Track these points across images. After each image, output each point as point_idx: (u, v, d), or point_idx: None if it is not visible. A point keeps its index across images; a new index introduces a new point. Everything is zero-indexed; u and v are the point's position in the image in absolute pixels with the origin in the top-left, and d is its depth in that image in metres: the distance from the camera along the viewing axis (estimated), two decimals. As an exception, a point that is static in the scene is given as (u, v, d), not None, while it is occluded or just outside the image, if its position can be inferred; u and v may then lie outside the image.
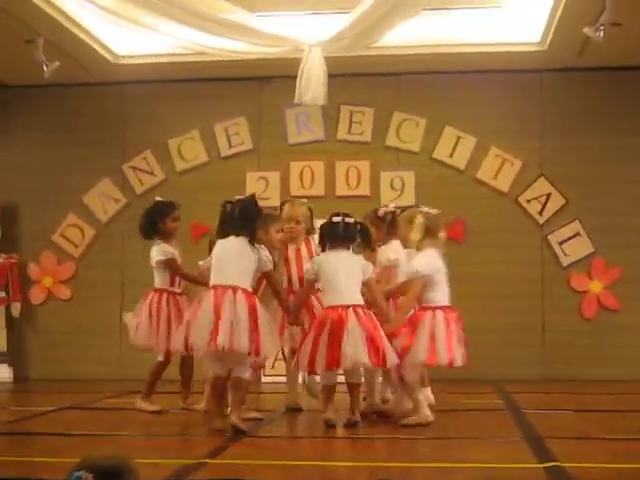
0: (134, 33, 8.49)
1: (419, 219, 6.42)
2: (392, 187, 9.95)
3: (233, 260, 5.98)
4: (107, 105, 10.39)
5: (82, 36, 8.89)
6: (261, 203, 6.31)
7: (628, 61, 9.58)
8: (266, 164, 10.18)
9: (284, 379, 7.54)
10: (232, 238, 6.06)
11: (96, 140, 10.30)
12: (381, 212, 6.97)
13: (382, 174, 10.02)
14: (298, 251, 6.81)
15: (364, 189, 9.98)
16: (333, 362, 5.92)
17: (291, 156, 10.14)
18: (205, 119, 10.23)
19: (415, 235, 6.41)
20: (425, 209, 6.50)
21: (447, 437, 5.74)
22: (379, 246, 6.78)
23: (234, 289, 5.84)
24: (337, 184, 10.06)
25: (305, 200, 7.34)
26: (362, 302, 6.08)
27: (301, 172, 10.10)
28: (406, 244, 6.61)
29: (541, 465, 4.58)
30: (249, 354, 5.81)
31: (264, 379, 8.66)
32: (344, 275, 6.10)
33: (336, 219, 6.23)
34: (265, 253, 6.05)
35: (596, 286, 9.70)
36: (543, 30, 8.91)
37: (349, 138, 10.16)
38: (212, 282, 5.98)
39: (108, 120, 10.36)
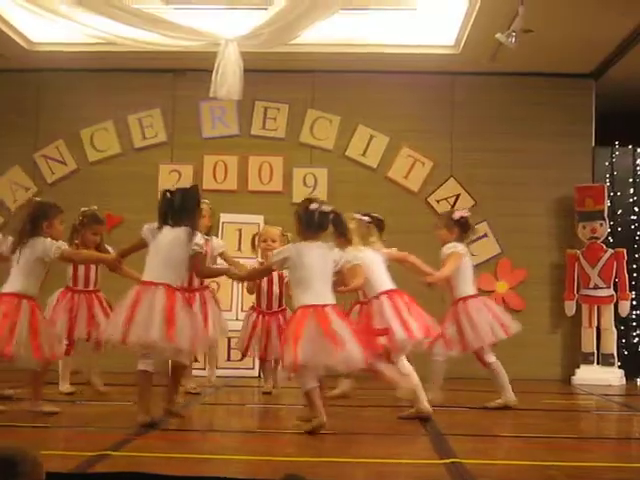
0: (50, 21, 8.37)
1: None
2: (305, 184, 10.01)
3: (162, 254, 5.91)
4: (21, 92, 10.25)
5: (-4, 22, 8.78)
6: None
7: (539, 67, 9.79)
8: (180, 157, 10.15)
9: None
10: (167, 231, 5.94)
11: (8, 127, 10.15)
12: (456, 215, 7.19)
13: (295, 170, 10.08)
14: None
15: (277, 185, 10.03)
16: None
17: (205, 150, 10.14)
18: (119, 110, 10.16)
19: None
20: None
21: (350, 432, 5.81)
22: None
23: (157, 285, 5.81)
24: (250, 179, 10.09)
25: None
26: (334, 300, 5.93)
27: (214, 166, 10.10)
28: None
29: (441, 461, 4.68)
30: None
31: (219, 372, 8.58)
32: (319, 274, 5.86)
33: (313, 206, 5.95)
34: (197, 239, 5.99)
35: (502, 286, 9.90)
36: (457, 34, 9.05)
37: (263, 134, 10.20)
38: (143, 277, 5.95)
39: (21, 108, 10.22)
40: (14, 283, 6.22)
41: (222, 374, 8.89)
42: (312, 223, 5.94)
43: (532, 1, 7.60)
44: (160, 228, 5.94)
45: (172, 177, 10.01)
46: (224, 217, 9.70)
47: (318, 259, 5.88)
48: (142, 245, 6.04)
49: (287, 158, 10.10)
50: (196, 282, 7.56)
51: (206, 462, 4.69)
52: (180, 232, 5.90)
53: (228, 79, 8.27)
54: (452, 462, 4.61)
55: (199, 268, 6.28)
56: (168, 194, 6.01)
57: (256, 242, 7.91)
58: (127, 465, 4.33)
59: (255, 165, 10.10)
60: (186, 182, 9.67)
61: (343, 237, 6.13)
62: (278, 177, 10.08)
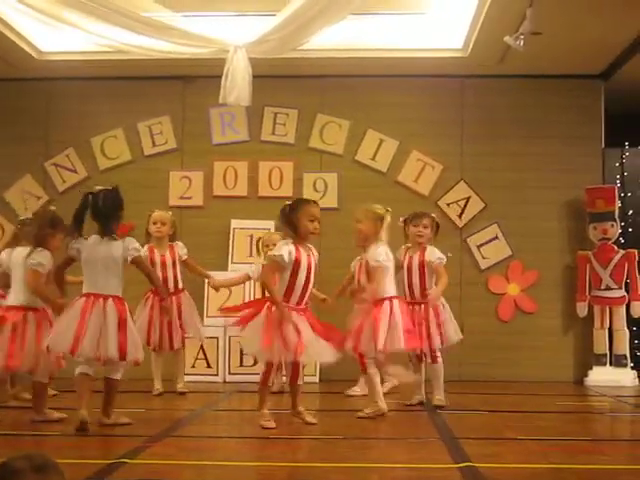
0: (59, 30, 8.41)
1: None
2: (315, 189, 10.02)
3: (102, 265, 6.04)
4: (31, 101, 10.27)
5: (5, 31, 8.80)
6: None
7: (547, 69, 9.78)
8: (190, 164, 10.17)
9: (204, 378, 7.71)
10: (95, 239, 6.10)
11: (19, 136, 10.18)
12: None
13: (305, 175, 10.09)
14: None
15: (287, 190, 10.02)
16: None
17: (215, 156, 10.15)
18: (129, 117, 10.19)
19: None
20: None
21: (364, 437, 5.82)
22: None
23: (105, 298, 5.95)
24: (260, 185, 10.09)
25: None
26: None
27: (225, 172, 10.11)
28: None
29: (455, 465, 4.69)
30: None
31: (186, 378, 8.66)
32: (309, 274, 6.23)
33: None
34: (129, 242, 6.16)
35: (513, 289, 9.89)
36: (465, 37, 9.05)
37: (273, 139, 10.21)
38: (84, 289, 6.04)
39: (32, 116, 10.25)
40: (19, 295, 6.26)
41: (235, 380, 8.92)
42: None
43: (540, 3, 7.60)
44: (87, 237, 6.09)
45: (183, 184, 10.05)
46: (235, 223, 9.72)
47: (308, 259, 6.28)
48: (70, 262, 6.18)
49: (297, 163, 10.12)
50: (171, 285, 8.10)
51: (221, 469, 4.71)
52: (111, 241, 6.10)
53: (237, 85, 8.29)
54: (466, 466, 4.62)
55: (143, 270, 6.36)
56: (90, 197, 6.15)
57: (260, 247, 8.33)
58: (144, 473, 4.36)
59: (265, 171, 10.12)
60: (196, 189, 9.92)
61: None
62: (288, 182, 10.09)
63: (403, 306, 6.81)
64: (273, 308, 6.11)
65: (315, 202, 6.45)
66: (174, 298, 8.13)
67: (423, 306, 7.25)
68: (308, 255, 6.21)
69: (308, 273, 6.17)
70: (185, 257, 8.31)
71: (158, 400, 7.92)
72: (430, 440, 5.68)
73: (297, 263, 6.14)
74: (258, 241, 8.39)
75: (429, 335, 7.19)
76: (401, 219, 7.48)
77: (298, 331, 6.02)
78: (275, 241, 7.79)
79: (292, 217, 6.27)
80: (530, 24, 7.75)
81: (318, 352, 6.19)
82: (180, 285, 8.28)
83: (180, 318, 8.16)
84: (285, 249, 6.15)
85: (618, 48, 9.15)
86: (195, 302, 8.55)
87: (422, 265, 7.30)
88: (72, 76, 9.97)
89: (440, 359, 7.29)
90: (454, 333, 7.36)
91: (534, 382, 9.33)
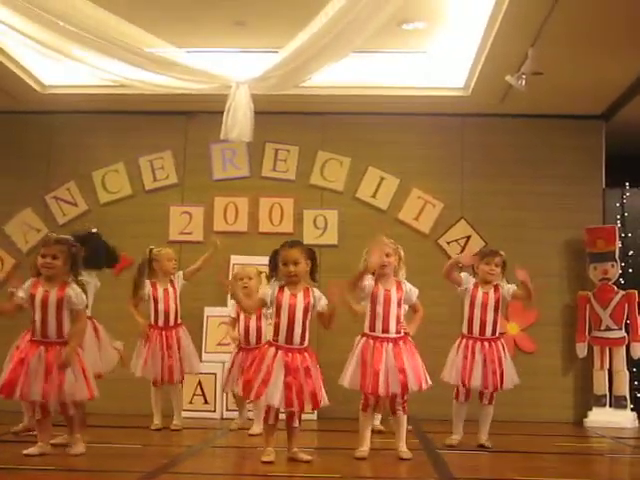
0: (63, 64, 8.43)
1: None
2: (315, 225, 10.02)
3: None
4: (33, 134, 10.28)
5: (9, 65, 8.85)
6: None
7: (549, 109, 9.82)
8: (190, 199, 10.17)
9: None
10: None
11: (20, 169, 10.19)
12: None
13: (305, 212, 10.09)
14: None
15: (287, 226, 10.03)
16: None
17: (216, 191, 10.16)
18: (130, 152, 10.21)
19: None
20: None
21: (361, 477, 5.78)
22: None
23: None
24: (260, 220, 10.10)
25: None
26: None
27: (225, 208, 10.11)
28: None
29: (455, 506, 4.65)
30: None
31: (184, 414, 8.61)
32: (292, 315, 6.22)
33: None
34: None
35: (513, 328, 9.86)
36: (467, 76, 9.09)
37: (274, 175, 10.23)
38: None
39: (33, 150, 10.26)
40: None
41: (232, 416, 8.85)
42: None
43: (542, 43, 7.64)
44: None
45: (183, 219, 10.06)
46: (235, 259, 9.70)
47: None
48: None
49: (297, 200, 10.12)
50: (172, 319, 8.18)
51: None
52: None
53: (239, 121, 8.29)
54: (466, 507, 4.58)
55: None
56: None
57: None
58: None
59: (266, 207, 10.12)
60: (196, 225, 9.91)
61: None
62: (289, 219, 10.09)
63: None
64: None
65: (292, 244, 6.37)
66: (174, 332, 8.17)
67: (493, 343, 7.29)
68: (292, 295, 6.19)
69: (291, 314, 6.15)
70: (183, 279, 8.35)
71: (156, 436, 7.86)
72: (429, 480, 5.64)
73: (278, 304, 6.16)
74: (234, 276, 8.37)
75: (501, 373, 7.23)
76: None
77: (288, 373, 6.04)
78: (249, 274, 8.07)
79: (275, 261, 6.40)
80: (532, 64, 7.80)
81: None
82: (179, 320, 8.27)
83: (180, 352, 8.15)
84: (267, 289, 6.32)
85: (619, 89, 9.19)
86: (193, 338, 8.53)
87: (498, 302, 7.33)
88: (75, 110, 10.00)
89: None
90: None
91: (534, 422, 9.28)
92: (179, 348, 8.16)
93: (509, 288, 7.40)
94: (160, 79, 8.34)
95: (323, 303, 6.21)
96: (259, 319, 8.05)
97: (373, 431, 7.71)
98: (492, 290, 7.34)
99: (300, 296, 6.19)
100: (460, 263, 7.49)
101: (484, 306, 7.29)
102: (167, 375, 8.10)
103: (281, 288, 6.23)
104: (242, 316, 8.07)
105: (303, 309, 6.17)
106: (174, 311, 8.21)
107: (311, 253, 6.33)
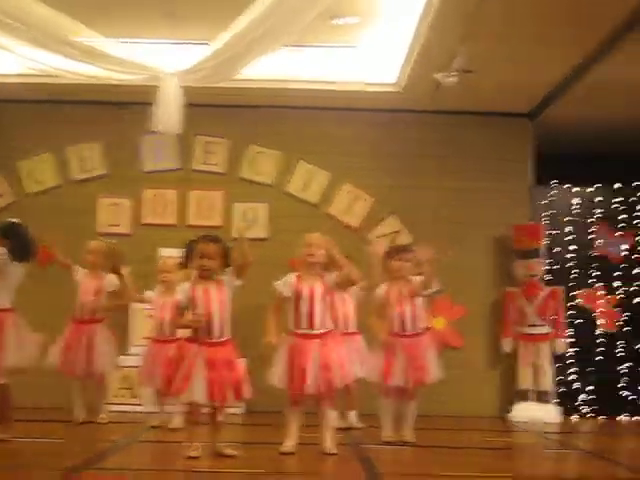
0: (-14, 52, 8.29)
1: None
2: (244, 219, 9.99)
3: None
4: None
5: None
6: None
7: (478, 106, 9.91)
8: (119, 190, 10.06)
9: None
10: None
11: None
12: None
13: (235, 205, 10.05)
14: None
15: (216, 219, 9.99)
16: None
17: (144, 183, 10.08)
18: (58, 142, 10.06)
19: None
20: None
21: (286, 472, 5.78)
22: None
23: None
24: (189, 213, 10.04)
25: None
26: None
27: (154, 200, 10.04)
28: None
29: (379, 501, 4.66)
30: None
31: (110, 407, 8.53)
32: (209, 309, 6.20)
33: None
34: None
35: (440, 322, 9.93)
36: (398, 72, 9.13)
37: (203, 168, 10.17)
38: None
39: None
40: None
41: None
42: None
43: (472, 42, 7.70)
44: None
45: (111, 210, 9.96)
46: (163, 251, 9.60)
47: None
48: None
49: (227, 193, 10.08)
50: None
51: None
52: None
53: (168, 113, 8.21)
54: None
55: None
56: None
57: None
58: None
59: (195, 199, 10.06)
60: (124, 217, 9.82)
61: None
62: (218, 212, 10.05)
63: None
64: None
65: (211, 239, 6.31)
66: (93, 327, 8.13)
67: (415, 338, 7.28)
68: (206, 290, 6.15)
69: (207, 309, 6.11)
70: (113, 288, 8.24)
71: (80, 430, 7.77)
72: (354, 475, 5.64)
73: (194, 300, 6.13)
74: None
75: (423, 368, 7.20)
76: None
77: (210, 367, 6.01)
78: (169, 267, 8.04)
79: (190, 251, 6.42)
80: (462, 62, 7.86)
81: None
82: (99, 314, 8.22)
83: (93, 347, 8.08)
84: (182, 289, 6.24)
85: (546, 88, 9.31)
86: (117, 332, 8.47)
87: (413, 297, 7.31)
88: (1, 99, 9.81)
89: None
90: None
91: (460, 417, 9.37)
92: (96, 343, 8.09)
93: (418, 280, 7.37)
94: (89, 69, 8.22)
95: (235, 283, 6.22)
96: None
97: (350, 429, 7.81)
98: (405, 286, 7.34)
99: (214, 290, 6.16)
100: (375, 255, 7.43)
101: (400, 303, 7.30)
102: (87, 369, 8.03)
103: (194, 284, 6.20)
104: (158, 308, 8.01)
105: (219, 302, 6.14)
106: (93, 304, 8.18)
107: (227, 250, 6.29)
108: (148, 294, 8.16)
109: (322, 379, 6.30)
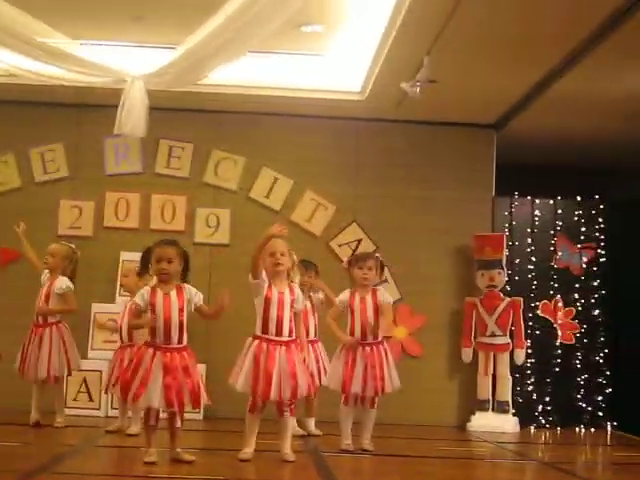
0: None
1: None
2: (207, 224, 9.97)
3: None
4: None
5: None
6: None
7: (443, 117, 9.97)
8: (81, 193, 10.00)
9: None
10: None
11: None
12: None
13: (198, 210, 10.03)
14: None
15: (179, 224, 9.95)
16: None
17: (107, 186, 10.01)
18: (20, 143, 9.97)
19: None
20: None
21: (243, 479, 5.77)
22: None
23: None
24: (152, 217, 9.99)
25: None
26: None
27: (116, 203, 9.98)
28: None
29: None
30: None
31: (67, 411, 8.47)
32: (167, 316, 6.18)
33: None
34: None
35: (401, 332, 9.96)
36: (363, 81, 9.15)
37: (167, 172, 10.13)
38: None
39: None
40: None
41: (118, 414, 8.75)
42: None
43: (437, 52, 7.73)
44: None
45: (73, 213, 9.89)
46: (124, 255, 9.56)
47: None
48: None
49: (190, 198, 10.05)
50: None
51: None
52: None
53: (133, 116, 8.18)
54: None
55: None
56: None
57: None
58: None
59: (158, 204, 10.02)
60: (86, 219, 9.77)
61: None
62: (181, 216, 10.01)
63: None
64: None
65: (167, 243, 6.28)
66: (47, 330, 8.09)
67: (375, 347, 7.26)
68: (166, 295, 6.13)
69: (166, 314, 6.08)
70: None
71: (37, 434, 7.71)
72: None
73: (152, 305, 6.10)
74: None
75: (382, 378, 7.18)
76: (345, 260, 7.64)
77: (167, 373, 5.98)
78: (126, 272, 8.21)
79: (147, 258, 6.34)
80: (427, 72, 7.88)
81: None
82: (57, 317, 8.21)
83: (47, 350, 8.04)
84: (140, 293, 6.20)
85: (511, 100, 9.36)
86: (77, 334, 8.42)
87: (376, 306, 7.29)
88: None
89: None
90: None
91: (418, 425, 9.40)
92: (50, 346, 8.05)
93: (386, 295, 7.45)
94: (53, 70, 8.18)
95: (198, 299, 6.19)
96: None
97: (309, 435, 7.83)
98: (369, 294, 7.35)
99: (173, 295, 6.13)
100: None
101: (363, 311, 7.31)
102: (41, 372, 8.00)
103: (153, 289, 6.16)
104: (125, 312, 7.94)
105: (178, 308, 6.11)
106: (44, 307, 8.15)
107: (185, 254, 6.28)
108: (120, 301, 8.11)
109: (288, 386, 6.29)
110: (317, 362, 7.94)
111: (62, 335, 8.15)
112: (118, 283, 8.86)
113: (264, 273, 6.44)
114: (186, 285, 6.21)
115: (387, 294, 7.50)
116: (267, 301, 6.44)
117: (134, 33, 8.62)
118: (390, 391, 7.27)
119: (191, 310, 6.17)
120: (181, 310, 6.11)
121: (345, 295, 7.37)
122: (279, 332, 6.41)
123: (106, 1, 7.90)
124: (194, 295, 6.18)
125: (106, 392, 8.43)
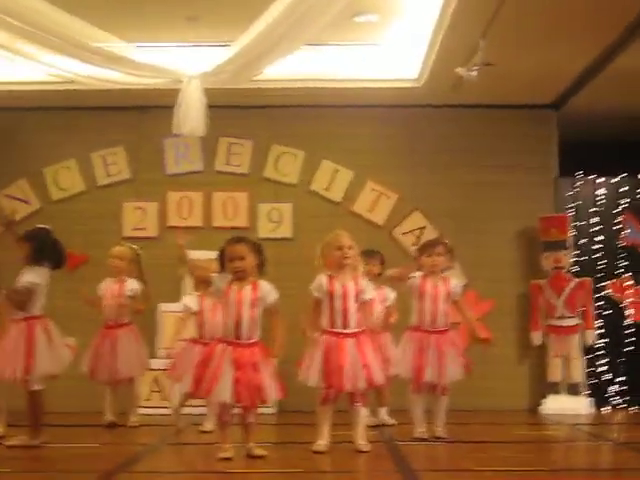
0: (9, 60, 8.31)
1: None
2: (270, 219, 10.02)
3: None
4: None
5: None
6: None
7: (500, 99, 9.88)
8: (144, 194, 10.11)
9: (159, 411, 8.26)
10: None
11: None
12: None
13: (260, 206, 10.07)
14: None
15: (242, 220, 10.01)
16: None
17: (169, 186, 10.11)
18: (82, 148, 10.11)
19: None
20: None
21: (320, 470, 5.78)
22: None
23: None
24: (214, 215, 10.06)
25: None
26: None
27: (179, 203, 10.07)
28: None
29: (414, 498, 4.66)
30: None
31: (141, 411, 8.55)
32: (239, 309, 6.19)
33: None
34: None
35: (468, 318, 9.90)
36: (419, 68, 9.11)
37: (227, 169, 10.20)
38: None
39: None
40: None
41: (191, 412, 8.81)
42: None
43: (493, 34, 7.67)
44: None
45: (136, 214, 10.00)
46: (191, 254, 9.60)
47: None
48: None
49: (252, 194, 10.10)
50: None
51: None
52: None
53: (191, 116, 8.23)
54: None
55: None
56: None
57: None
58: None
59: (219, 201, 10.09)
60: (150, 220, 9.85)
61: None
62: (243, 213, 10.07)
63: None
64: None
65: (236, 240, 6.25)
66: (118, 331, 8.20)
67: (445, 335, 7.28)
68: (238, 290, 6.12)
69: (237, 309, 6.10)
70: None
71: (112, 434, 7.80)
72: (388, 473, 5.64)
73: (225, 299, 6.12)
74: None
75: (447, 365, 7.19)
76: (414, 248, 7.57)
77: (237, 368, 5.99)
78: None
79: (223, 257, 6.32)
80: (483, 55, 7.82)
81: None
82: (126, 319, 8.29)
83: (119, 352, 8.14)
84: (217, 283, 6.25)
85: (569, 78, 9.27)
86: (146, 333, 8.52)
87: (447, 294, 7.30)
88: (24, 106, 9.88)
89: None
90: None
91: (490, 411, 9.35)
92: (122, 348, 8.15)
93: (456, 286, 7.41)
94: (110, 74, 8.27)
95: (272, 298, 6.15)
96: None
97: (382, 425, 7.88)
98: (440, 281, 7.33)
99: (247, 291, 6.11)
100: (395, 278, 7.48)
101: (434, 298, 7.28)
102: (115, 374, 8.09)
103: (229, 284, 6.18)
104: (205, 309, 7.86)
105: (250, 304, 6.11)
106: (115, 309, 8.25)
107: (257, 247, 6.25)
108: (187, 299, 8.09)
109: (362, 377, 6.29)
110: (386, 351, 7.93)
111: (135, 335, 8.27)
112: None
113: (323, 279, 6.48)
114: (263, 282, 6.19)
115: (458, 286, 7.46)
116: (330, 295, 6.45)
117: (189, 33, 8.67)
118: (459, 378, 7.25)
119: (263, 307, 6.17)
120: (253, 306, 6.10)
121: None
122: (346, 325, 6.41)
123: (160, 3, 7.97)
124: (268, 293, 6.16)
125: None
